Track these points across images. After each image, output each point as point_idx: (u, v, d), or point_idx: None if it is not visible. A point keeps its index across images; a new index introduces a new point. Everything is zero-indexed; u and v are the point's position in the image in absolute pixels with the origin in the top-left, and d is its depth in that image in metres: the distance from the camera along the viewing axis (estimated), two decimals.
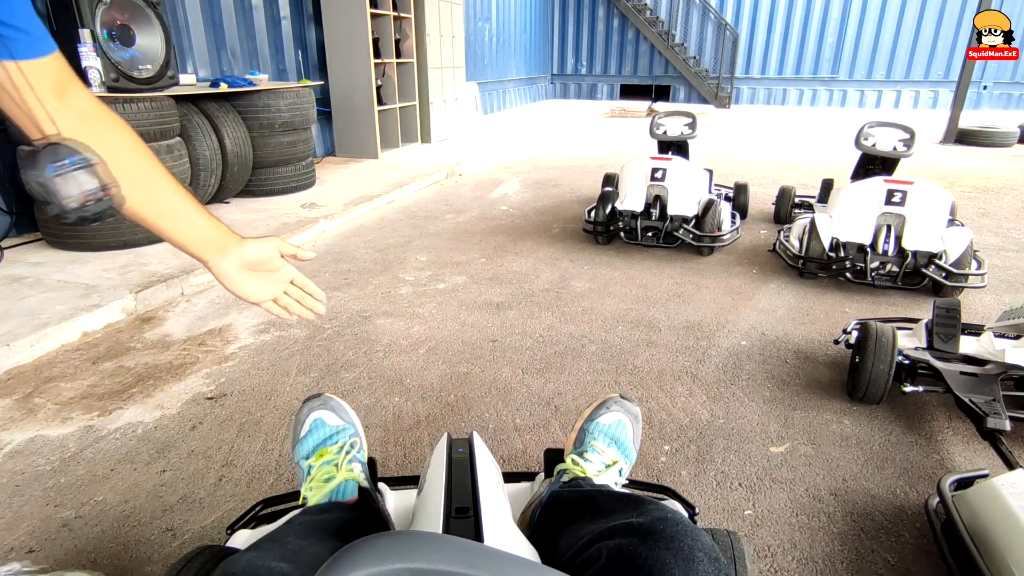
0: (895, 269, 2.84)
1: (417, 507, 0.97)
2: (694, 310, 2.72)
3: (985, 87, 11.38)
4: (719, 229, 3.39)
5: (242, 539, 1.05)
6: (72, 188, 0.66)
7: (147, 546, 1.38)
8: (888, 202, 2.94)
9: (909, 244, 2.83)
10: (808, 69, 12.30)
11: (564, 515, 0.88)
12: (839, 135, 8.01)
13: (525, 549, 0.80)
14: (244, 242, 0.87)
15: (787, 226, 3.53)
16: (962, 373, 1.80)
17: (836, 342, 2.22)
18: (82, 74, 3.04)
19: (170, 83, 3.58)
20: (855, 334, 2.07)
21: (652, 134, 4.14)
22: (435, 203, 4.74)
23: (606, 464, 1.02)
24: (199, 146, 3.77)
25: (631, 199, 3.50)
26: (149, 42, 3.46)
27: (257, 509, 1.15)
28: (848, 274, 2.89)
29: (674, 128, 4.10)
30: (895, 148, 3.59)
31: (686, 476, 1.62)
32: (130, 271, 2.87)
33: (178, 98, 3.53)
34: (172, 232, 0.83)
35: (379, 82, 6.11)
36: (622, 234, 3.51)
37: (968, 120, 8.07)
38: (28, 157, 0.66)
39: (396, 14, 6.09)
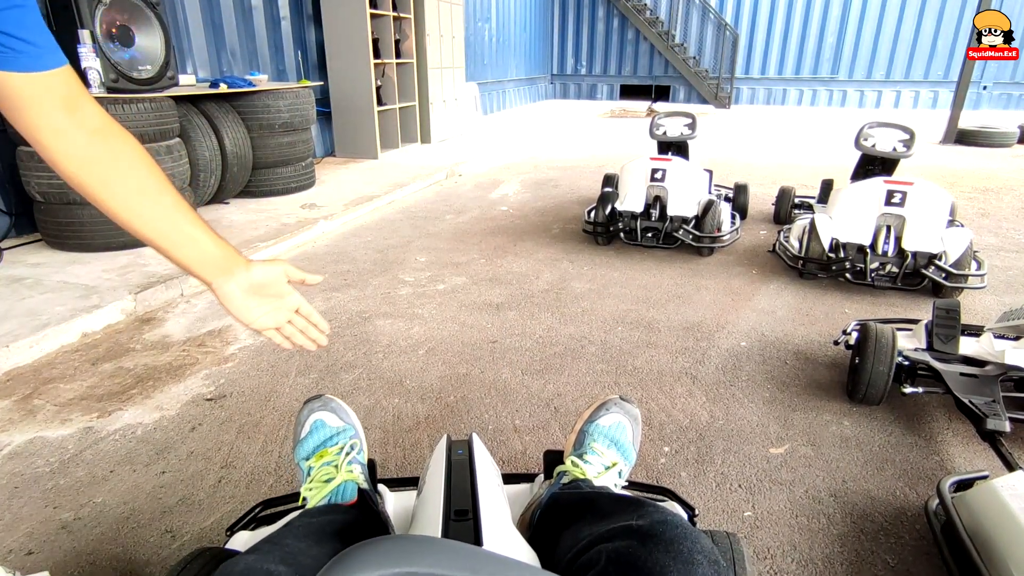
0: (895, 270, 2.84)
1: (416, 509, 0.97)
2: (694, 311, 2.72)
3: (985, 87, 11.38)
4: (719, 230, 3.39)
5: (241, 541, 1.04)
6: None
7: (146, 548, 1.38)
8: (888, 203, 2.94)
9: (909, 245, 2.82)
10: (808, 69, 12.31)
11: (564, 517, 0.88)
12: (839, 135, 8.01)
13: (524, 552, 0.80)
14: (251, 265, 0.85)
15: (787, 227, 3.53)
16: (962, 374, 1.80)
17: (836, 343, 2.22)
18: (82, 75, 3.04)
19: (170, 84, 3.58)
20: (855, 335, 2.07)
21: (652, 135, 4.14)
22: (435, 203, 4.74)
23: (606, 466, 1.01)
24: (199, 147, 3.77)
25: (631, 200, 3.49)
26: (149, 43, 3.46)
27: (256, 511, 1.14)
28: (848, 275, 2.89)
29: (674, 128, 4.10)
30: (895, 148, 3.59)
31: (686, 477, 1.62)
32: (130, 272, 2.87)
33: (178, 99, 3.53)
34: (176, 252, 0.80)
35: (379, 82, 6.11)
36: (622, 235, 3.51)
37: (968, 120, 8.07)
38: None
39: (396, 14, 6.09)
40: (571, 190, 5.16)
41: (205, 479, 1.60)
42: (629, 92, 13.51)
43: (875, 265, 2.85)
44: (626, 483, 1.07)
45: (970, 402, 1.67)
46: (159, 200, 0.79)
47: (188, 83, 4.02)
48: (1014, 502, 1.17)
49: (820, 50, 12.10)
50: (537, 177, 5.78)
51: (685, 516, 1.05)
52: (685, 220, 3.40)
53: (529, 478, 1.22)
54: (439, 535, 0.77)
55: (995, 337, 1.89)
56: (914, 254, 2.80)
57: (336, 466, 0.99)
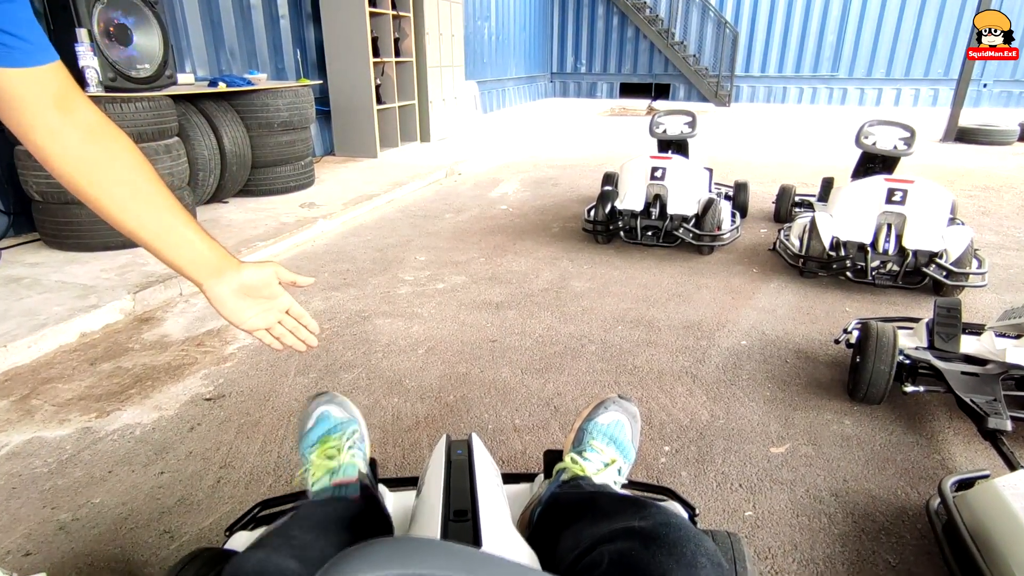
0: (896, 268, 2.83)
1: (416, 510, 0.96)
2: (694, 309, 2.72)
3: (985, 85, 11.36)
4: (719, 228, 3.38)
5: (240, 541, 1.04)
6: None
7: (144, 549, 1.37)
8: (888, 201, 2.93)
9: (910, 243, 2.82)
10: (808, 67, 12.29)
11: (564, 516, 0.87)
12: (839, 133, 8.00)
13: (524, 552, 0.80)
14: (242, 266, 0.85)
15: (787, 225, 3.52)
16: (963, 373, 1.79)
17: (837, 342, 2.22)
18: (79, 74, 3.03)
19: (168, 83, 3.57)
20: (856, 334, 2.07)
21: (652, 133, 4.13)
22: (434, 202, 4.74)
23: (605, 463, 1.01)
24: (198, 146, 3.76)
25: (631, 198, 3.49)
26: (147, 41, 3.44)
27: (256, 511, 1.14)
28: (848, 273, 2.88)
29: (674, 127, 4.09)
30: (895, 147, 3.58)
31: (686, 477, 1.62)
32: (128, 271, 2.86)
33: (176, 98, 3.52)
34: (168, 252, 0.80)
35: (378, 81, 6.10)
36: (622, 233, 3.50)
37: (968, 118, 8.05)
38: None
39: (395, 13, 6.08)
40: (571, 189, 5.15)
41: (204, 479, 1.60)
42: (629, 90, 13.49)
43: (876, 263, 2.84)
44: (626, 482, 1.07)
45: (971, 401, 1.67)
46: (152, 200, 0.78)
47: (187, 82, 4.01)
48: (1016, 501, 1.16)
49: (820, 48, 12.08)
50: (537, 176, 5.77)
51: (686, 516, 1.05)
52: (685, 219, 3.39)
53: (529, 478, 1.21)
54: (438, 536, 0.76)
55: (996, 335, 1.88)
56: (915, 252, 2.79)
57: (339, 448, 0.99)
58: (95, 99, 3.01)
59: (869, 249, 2.86)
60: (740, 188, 4.20)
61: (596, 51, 13.56)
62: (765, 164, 6.30)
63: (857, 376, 1.91)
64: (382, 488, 1.14)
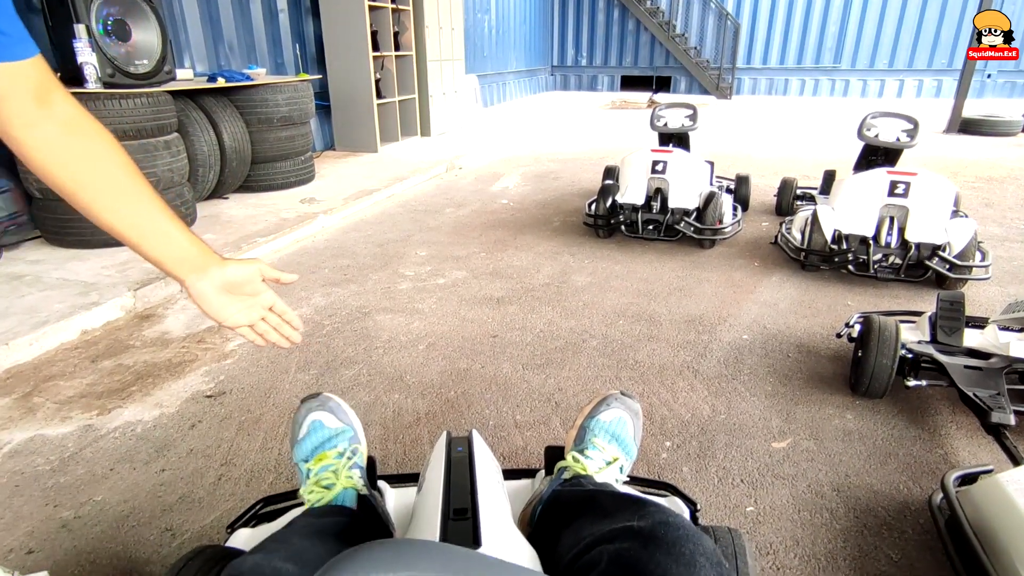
0: (898, 261, 2.82)
1: (416, 507, 0.96)
2: (695, 304, 2.71)
3: (989, 76, 11.28)
4: (720, 222, 3.37)
5: (242, 538, 1.04)
6: None
7: (146, 546, 1.37)
8: (891, 193, 2.91)
9: (912, 236, 2.80)
10: (810, 59, 12.21)
11: (565, 514, 0.87)
12: (841, 126, 7.96)
13: (524, 551, 0.79)
14: (225, 263, 0.84)
15: (789, 218, 3.51)
16: (966, 367, 1.78)
17: (838, 335, 2.21)
18: (78, 70, 3.02)
19: (167, 78, 3.56)
20: (858, 327, 2.06)
21: (653, 126, 4.11)
22: (435, 197, 4.72)
23: (607, 461, 1.01)
24: (197, 142, 3.75)
25: (632, 192, 3.47)
26: (145, 37, 3.43)
27: (257, 508, 1.14)
28: (851, 266, 2.87)
29: (675, 120, 4.07)
30: (898, 139, 3.56)
31: (687, 472, 1.61)
32: (129, 268, 2.86)
33: (175, 93, 3.51)
34: (147, 247, 0.79)
35: (378, 75, 6.07)
36: (623, 227, 3.49)
37: (972, 109, 8.00)
38: None
39: (394, 6, 6.05)
40: (572, 183, 5.14)
41: (205, 477, 1.60)
42: (630, 83, 13.43)
43: (878, 257, 2.83)
44: (627, 478, 1.06)
45: (974, 395, 1.66)
46: (132, 195, 0.78)
47: (185, 77, 4.00)
48: (1019, 496, 1.16)
49: (822, 39, 11.99)
50: (538, 170, 5.75)
51: (687, 512, 1.05)
52: (686, 212, 3.38)
53: (530, 474, 1.21)
54: (438, 534, 0.76)
55: (1000, 329, 1.87)
56: (918, 245, 2.78)
57: (335, 471, 0.98)
58: (94, 95, 3.03)
59: (871, 242, 2.85)
60: (741, 181, 4.18)
61: (597, 44, 13.48)
62: (766, 157, 6.27)
63: (859, 370, 1.90)
64: (383, 485, 1.14)
